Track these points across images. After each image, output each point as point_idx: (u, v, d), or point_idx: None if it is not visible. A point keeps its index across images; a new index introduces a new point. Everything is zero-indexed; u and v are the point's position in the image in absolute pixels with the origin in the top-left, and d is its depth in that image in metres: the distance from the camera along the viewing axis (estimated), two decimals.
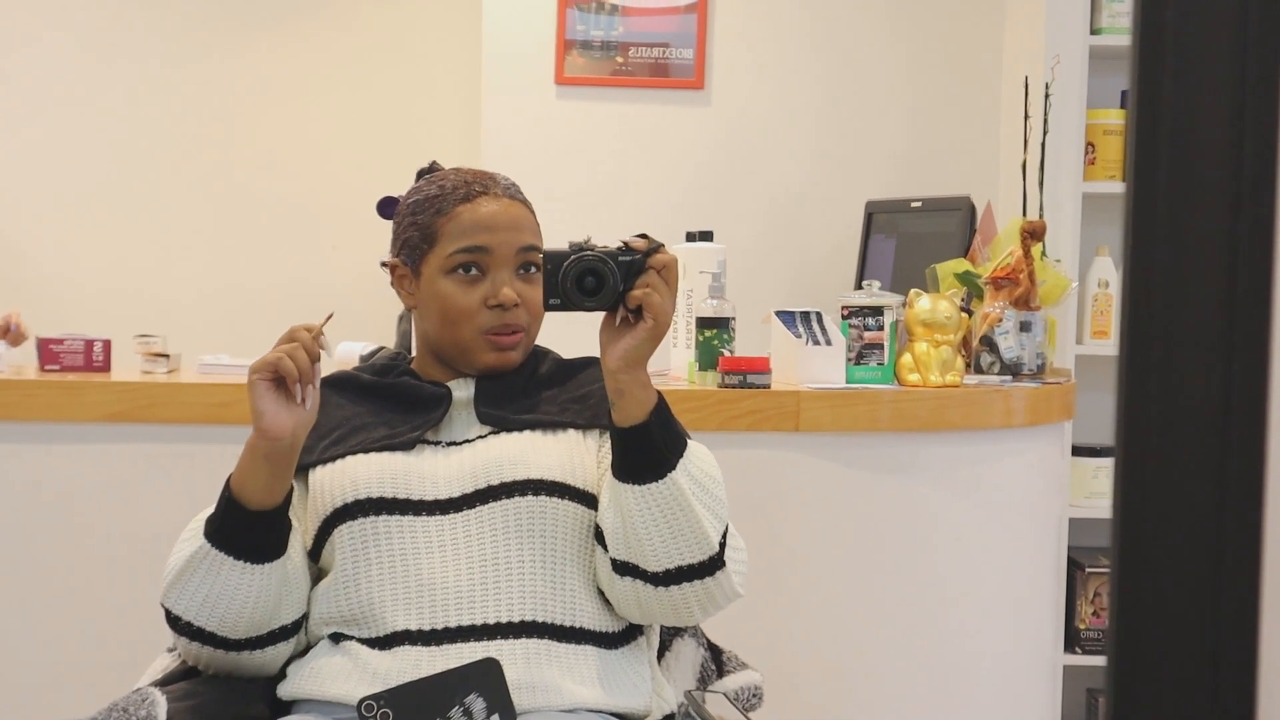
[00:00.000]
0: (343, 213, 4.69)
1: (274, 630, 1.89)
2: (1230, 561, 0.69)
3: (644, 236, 1.82)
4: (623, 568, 1.85)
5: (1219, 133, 0.69)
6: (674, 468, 1.80)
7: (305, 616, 1.93)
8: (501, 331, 1.98)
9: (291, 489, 1.87)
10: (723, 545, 1.85)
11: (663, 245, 1.82)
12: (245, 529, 1.82)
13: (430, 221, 2.00)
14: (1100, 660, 3.75)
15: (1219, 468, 0.69)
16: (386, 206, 2.18)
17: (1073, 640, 3.75)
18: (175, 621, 1.88)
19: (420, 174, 2.13)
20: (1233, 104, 0.68)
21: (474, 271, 1.98)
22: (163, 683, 1.91)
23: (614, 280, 1.79)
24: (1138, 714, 0.70)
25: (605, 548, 1.87)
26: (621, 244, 1.81)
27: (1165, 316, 0.70)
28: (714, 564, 1.84)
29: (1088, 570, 3.74)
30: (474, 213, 1.99)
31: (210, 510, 1.87)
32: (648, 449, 1.80)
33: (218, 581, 1.83)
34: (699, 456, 1.85)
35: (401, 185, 2.20)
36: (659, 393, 1.83)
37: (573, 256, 1.81)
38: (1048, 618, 3.18)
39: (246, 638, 1.88)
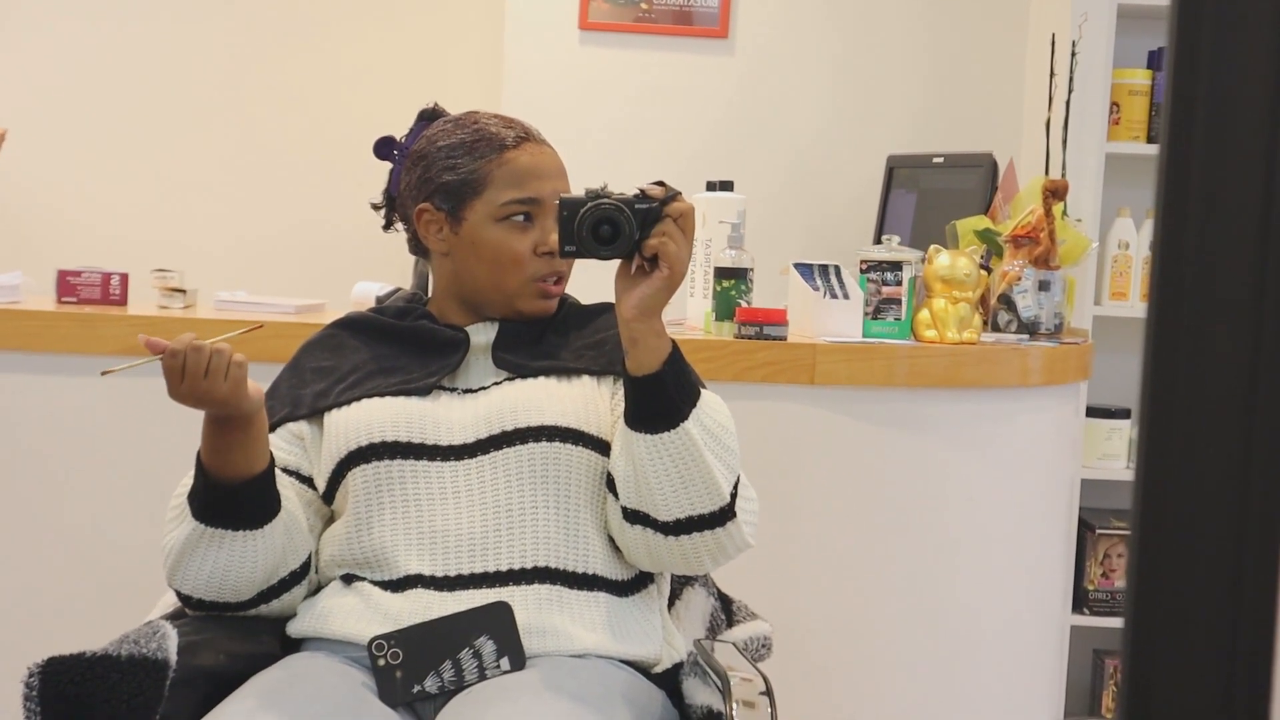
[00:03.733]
0: (363, 152, 4.67)
1: (284, 579, 1.90)
2: (1253, 528, 0.69)
3: (661, 184, 1.81)
4: (633, 516, 1.85)
5: (1256, 94, 0.68)
6: (686, 417, 1.80)
7: (311, 557, 1.94)
8: (550, 279, 1.99)
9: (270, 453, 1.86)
10: (734, 496, 1.84)
11: (680, 193, 1.80)
12: (239, 501, 1.82)
13: (476, 166, 1.99)
14: (1108, 621, 3.75)
15: (1246, 435, 0.69)
16: (384, 147, 2.15)
17: (1081, 601, 3.75)
18: (187, 600, 1.90)
19: (424, 116, 2.12)
20: (1272, 65, 0.67)
21: (526, 219, 1.98)
22: (174, 616, 1.92)
23: (630, 229, 1.77)
24: (1155, 679, 0.69)
25: (616, 495, 1.87)
26: (638, 191, 1.80)
27: (1195, 280, 0.69)
28: (725, 514, 1.84)
29: (1098, 531, 3.74)
30: (523, 160, 1.99)
31: (189, 484, 1.86)
32: (660, 398, 1.79)
33: (221, 555, 1.84)
34: (712, 406, 1.84)
35: (386, 135, 2.17)
36: (674, 342, 1.82)
37: (589, 204, 1.79)
38: (1057, 578, 3.18)
39: (259, 593, 1.89)
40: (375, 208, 2.14)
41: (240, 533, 1.82)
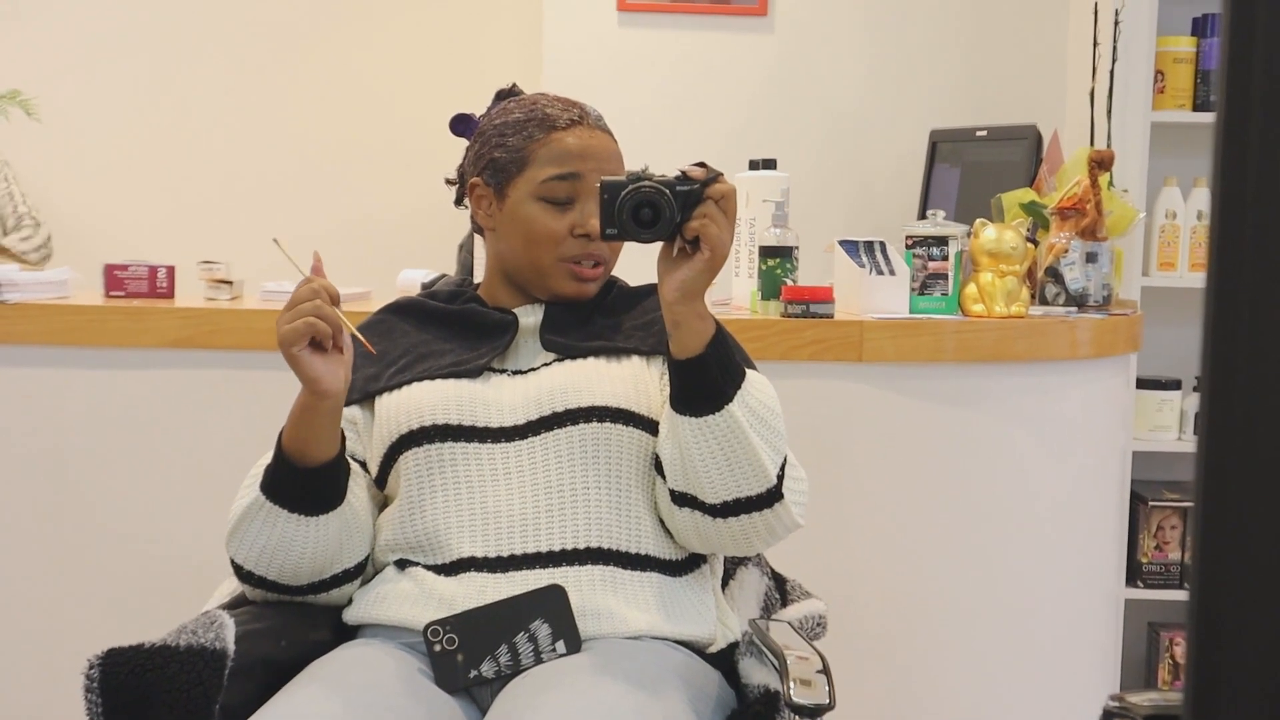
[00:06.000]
0: (403, 140, 4.68)
1: (336, 575, 1.90)
2: None
3: (702, 165, 1.80)
4: (681, 499, 1.85)
5: None
6: (731, 400, 1.79)
7: (369, 558, 1.94)
8: (583, 262, 1.98)
9: (344, 437, 1.87)
10: (780, 477, 1.84)
11: (721, 174, 1.79)
12: (301, 484, 1.83)
13: (523, 145, 1.99)
14: (1162, 594, 3.73)
15: None
16: (460, 124, 2.16)
17: (1135, 574, 3.73)
18: (239, 569, 1.90)
19: (500, 95, 2.12)
20: None
21: (564, 199, 1.98)
22: (230, 606, 1.93)
23: (670, 212, 1.77)
24: (1221, 660, 0.69)
25: (664, 478, 1.86)
26: (680, 173, 1.79)
27: (1256, 245, 0.68)
28: (772, 496, 1.83)
29: (1150, 504, 3.72)
30: (569, 141, 1.98)
31: (268, 457, 1.87)
32: (704, 381, 1.79)
33: (274, 534, 1.84)
34: (757, 388, 1.84)
35: (464, 109, 2.19)
36: (717, 323, 1.81)
37: (630, 187, 1.78)
38: (1110, 551, 3.17)
39: (309, 583, 1.90)
40: (449, 183, 2.15)
41: (295, 516, 1.83)
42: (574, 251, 1.99)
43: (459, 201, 2.14)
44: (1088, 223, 3.01)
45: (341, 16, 4.76)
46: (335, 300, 1.78)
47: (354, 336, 1.83)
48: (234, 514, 1.88)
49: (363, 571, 1.94)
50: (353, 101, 4.75)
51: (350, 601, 1.94)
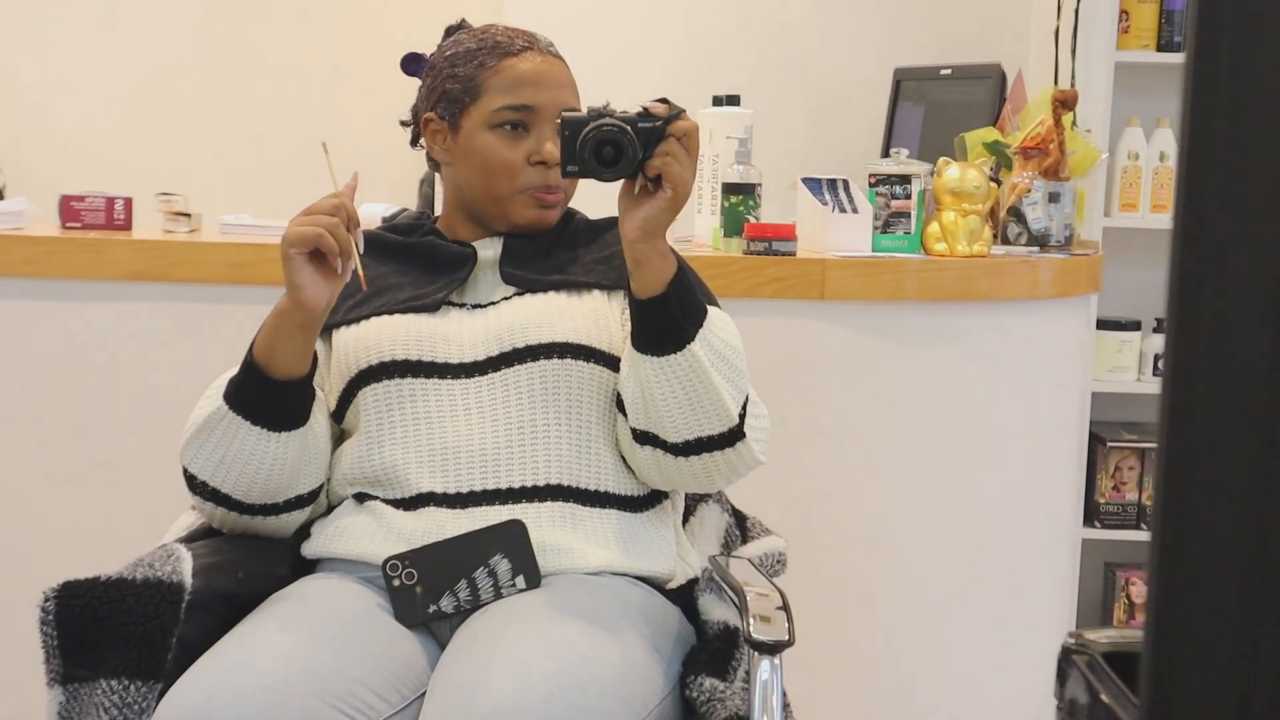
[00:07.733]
0: (365, 72, 4.64)
1: (290, 499, 1.88)
2: None
3: (664, 101, 1.78)
4: (643, 437, 1.85)
5: None
6: (692, 339, 1.78)
7: (323, 486, 1.93)
8: (543, 190, 1.97)
9: (316, 356, 1.85)
10: (743, 416, 1.84)
11: (684, 111, 1.78)
12: (267, 396, 1.81)
13: (474, 74, 1.97)
14: (1119, 534, 3.76)
15: (1273, 344, 0.67)
16: (411, 63, 2.14)
17: (1092, 514, 3.76)
18: (191, 480, 1.88)
19: (449, 31, 2.10)
20: None
21: (519, 128, 1.96)
22: (188, 539, 1.91)
23: (633, 150, 1.75)
24: (1183, 594, 0.69)
25: (626, 416, 1.86)
26: (641, 109, 1.77)
27: (1222, 187, 0.68)
28: (734, 435, 1.83)
29: (1109, 444, 3.74)
30: (521, 67, 1.97)
31: (234, 370, 1.85)
32: (666, 320, 1.78)
33: (233, 445, 1.82)
34: (719, 326, 1.83)
35: (425, 43, 2.16)
36: (679, 260, 1.80)
37: (591, 124, 1.77)
38: (1068, 491, 3.18)
39: (260, 504, 1.88)
40: (404, 124, 2.12)
41: (257, 429, 1.81)
42: (532, 180, 1.97)
43: (415, 142, 2.12)
44: (1050, 162, 3.00)
45: None
46: (354, 224, 1.77)
47: (357, 269, 1.80)
48: (193, 422, 1.86)
49: (314, 499, 1.92)
50: (312, 33, 4.70)
51: (309, 535, 1.93)
